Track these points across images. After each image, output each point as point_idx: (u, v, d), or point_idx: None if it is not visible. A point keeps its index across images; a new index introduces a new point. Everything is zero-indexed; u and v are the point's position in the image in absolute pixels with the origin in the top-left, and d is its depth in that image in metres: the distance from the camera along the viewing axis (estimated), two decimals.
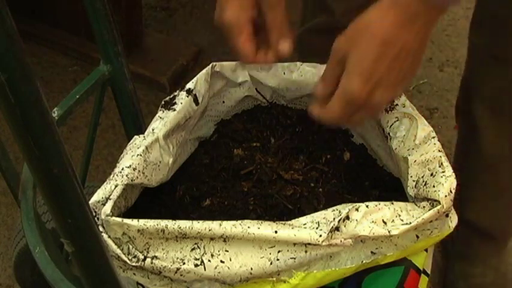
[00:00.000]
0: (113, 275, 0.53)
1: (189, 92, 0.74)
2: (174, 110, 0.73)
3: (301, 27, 1.12)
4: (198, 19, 1.82)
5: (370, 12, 0.62)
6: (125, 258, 0.61)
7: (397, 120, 0.74)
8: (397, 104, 0.75)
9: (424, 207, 0.65)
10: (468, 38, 1.00)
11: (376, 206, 0.63)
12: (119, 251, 0.61)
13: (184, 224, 0.60)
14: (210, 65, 0.77)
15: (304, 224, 0.61)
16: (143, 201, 0.72)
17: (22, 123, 0.38)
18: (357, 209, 0.62)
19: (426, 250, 0.72)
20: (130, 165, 0.66)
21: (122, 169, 0.66)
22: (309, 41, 1.09)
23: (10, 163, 0.84)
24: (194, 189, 0.77)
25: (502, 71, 0.95)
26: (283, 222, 0.61)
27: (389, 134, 0.74)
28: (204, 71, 0.76)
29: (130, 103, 0.94)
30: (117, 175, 0.66)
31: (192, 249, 0.61)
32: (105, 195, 0.64)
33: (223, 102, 0.82)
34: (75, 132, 1.51)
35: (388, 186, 0.78)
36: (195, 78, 0.75)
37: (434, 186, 0.65)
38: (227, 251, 0.61)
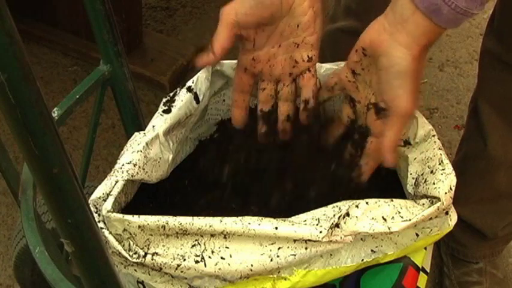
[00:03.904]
0: (113, 275, 0.53)
1: (189, 89, 0.74)
2: (175, 107, 0.73)
3: (330, 24, 1.12)
4: (198, 19, 1.82)
5: (413, 58, 0.65)
6: (126, 255, 0.61)
7: None
8: None
9: (423, 204, 0.65)
10: (482, 41, 1.01)
11: (376, 203, 0.63)
12: (119, 247, 0.61)
13: (185, 220, 0.60)
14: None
15: (305, 221, 0.61)
16: (137, 195, 0.72)
17: (22, 123, 0.38)
18: (357, 206, 0.62)
19: (425, 248, 0.72)
20: (130, 161, 0.66)
21: (123, 165, 0.66)
22: (335, 40, 1.10)
23: (10, 163, 0.84)
24: (193, 187, 0.77)
25: (510, 77, 0.95)
26: (284, 219, 0.61)
27: None
28: (204, 69, 0.76)
29: (130, 103, 0.94)
30: (117, 171, 0.66)
31: (193, 246, 0.61)
32: (105, 191, 0.64)
33: (224, 100, 0.82)
34: (75, 132, 1.51)
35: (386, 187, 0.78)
36: (195, 76, 0.75)
37: (434, 184, 0.65)
38: (227, 247, 0.61)
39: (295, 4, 0.71)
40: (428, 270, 0.74)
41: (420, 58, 0.65)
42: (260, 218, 0.61)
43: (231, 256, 0.61)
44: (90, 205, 0.64)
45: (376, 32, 0.68)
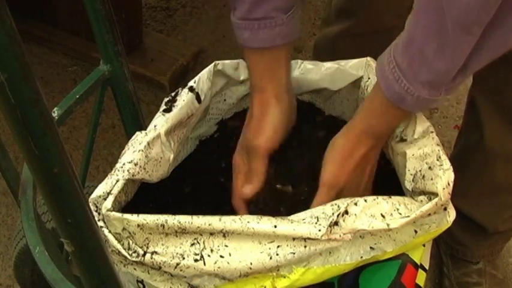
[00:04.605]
0: (113, 275, 0.53)
1: (191, 89, 0.75)
2: (176, 107, 0.73)
3: (324, 28, 1.12)
4: (198, 19, 1.82)
5: (347, 140, 0.72)
6: (125, 253, 0.61)
7: None
8: None
9: (421, 200, 0.65)
10: None
11: (374, 200, 0.63)
12: (119, 246, 0.61)
13: (184, 219, 0.60)
14: (213, 64, 0.77)
15: (304, 219, 0.61)
16: (137, 195, 0.73)
17: (22, 123, 0.38)
18: (355, 204, 0.63)
19: (424, 245, 0.72)
20: (131, 161, 0.67)
21: (124, 164, 0.66)
22: (331, 45, 1.10)
23: (10, 163, 0.84)
24: (194, 187, 0.77)
25: (506, 69, 0.95)
26: (283, 217, 0.61)
27: None
28: (206, 69, 0.77)
29: (130, 103, 0.94)
30: (118, 170, 0.66)
31: (192, 244, 0.61)
32: (106, 190, 0.64)
33: (225, 100, 0.82)
34: (75, 132, 1.51)
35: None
36: (197, 76, 0.76)
37: (432, 179, 0.65)
38: (227, 246, 0.61)
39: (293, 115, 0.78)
40: (427, 267, 0.74)
41: (356, 141, 0.71)
42: (259, 216, 0.61)
43: (230, 254, 0.61)
44: (90, 204, 0.64)
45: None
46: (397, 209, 0.63)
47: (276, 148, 0.74)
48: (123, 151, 0.69)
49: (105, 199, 0.63)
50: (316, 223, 0.61)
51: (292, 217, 0.62)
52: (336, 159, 0.71)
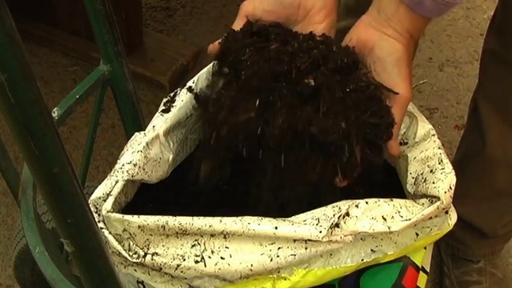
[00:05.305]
0: (113, 275, 0.53)
1: (190, 89, 0.74)
2: (175, 107, 0.73)
3: None
4: (198, 19, 1.82)
5: (404, 49, 0.68)
6: (126, 255, 0.61)
7: None
8: None
9: (423, 204, 0.65)
10: (484, 40, 1.01)
11: (375, 202, 0.63)
12: (119, 247, 0.61)
13: (184, 220, 0.60)
14: (212, 63, 0.77)
15: (304, 221, 0.61)
16: (137, 195, 0.72)
17: (22, 123, 0.38)
18: (356, 206, 0.62)
19: (425, 248, 0.72)
20: (130, 161, 0.67)
21: (123, 165, 0.66)
22: (337, 41, 1.11)
23: (10, 163, 0.84)
24: (194, 187, 0.77)
25: (509, 75, 0.95)
26: (283, 218, 0.61)
27: None
28: (205, 69, 0.77)
29: (130, 103, 0.94)
30: (117, 171, 0.66)
31: (193, 246, 0.61)
32: (105, 192, 0.64)
33: None
34: (75, 132, 1.51)
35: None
36: (196, 77, 0.76)
37: (434, 183, 0.65)
38: (227, 247, 0.61)
39: (312, 12, 0.72)
40: (428, 270, 0.74)
41: (409, 46, 0.67)
42: (260, 217, 0.61)
43: (230, 256, 0.61)
44: (90, 205, 0.64)
45: (362, 30, 0.69)
46: (399, 212, 0.63)
47: (251, 13, 0.73)
48: (122, 152, 0.69)
49: (105, 200, 0.63)
50: (317, 225, 0.61)
51: (293, 218, 0.62)
52: (406, 71, 0.67)
